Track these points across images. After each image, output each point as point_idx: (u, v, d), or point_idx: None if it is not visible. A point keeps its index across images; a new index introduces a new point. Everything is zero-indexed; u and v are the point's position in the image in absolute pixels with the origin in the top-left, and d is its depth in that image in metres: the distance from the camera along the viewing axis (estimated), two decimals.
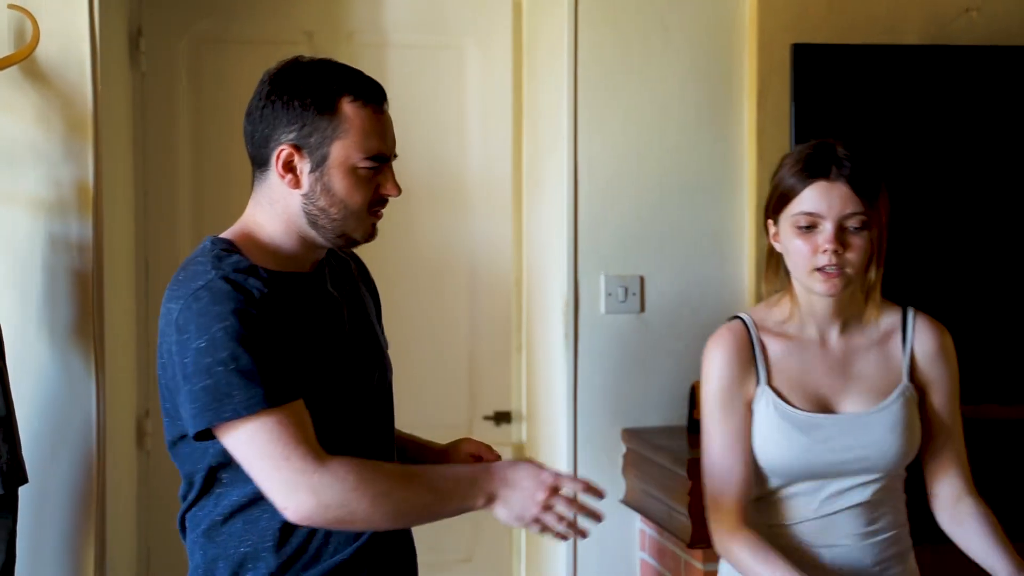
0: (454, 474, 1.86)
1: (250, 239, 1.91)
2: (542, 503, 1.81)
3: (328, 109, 1.85)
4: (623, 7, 3.09)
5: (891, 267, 2.96)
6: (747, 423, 2.15)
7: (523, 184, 3.46)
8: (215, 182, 3.31)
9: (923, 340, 2.17)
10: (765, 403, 2.13)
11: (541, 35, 3.32)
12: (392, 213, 3.37)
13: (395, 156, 1.96)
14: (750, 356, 2.16)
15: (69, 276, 2.66)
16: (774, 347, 2.16)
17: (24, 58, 2.57)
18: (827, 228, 2.04)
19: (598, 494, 1.87)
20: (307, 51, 3.30)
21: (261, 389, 1.74)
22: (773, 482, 2.16)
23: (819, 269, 2.05)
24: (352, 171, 1.87)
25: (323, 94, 1.86)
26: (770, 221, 2.15)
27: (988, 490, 2.31)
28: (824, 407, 2.12)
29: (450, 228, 3.45)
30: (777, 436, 2.12)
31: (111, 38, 2.90)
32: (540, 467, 1.84)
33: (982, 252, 3.07)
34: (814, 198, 2.06)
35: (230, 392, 1.74)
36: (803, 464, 2.11)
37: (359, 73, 1.91)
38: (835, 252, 2.03)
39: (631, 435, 3.08)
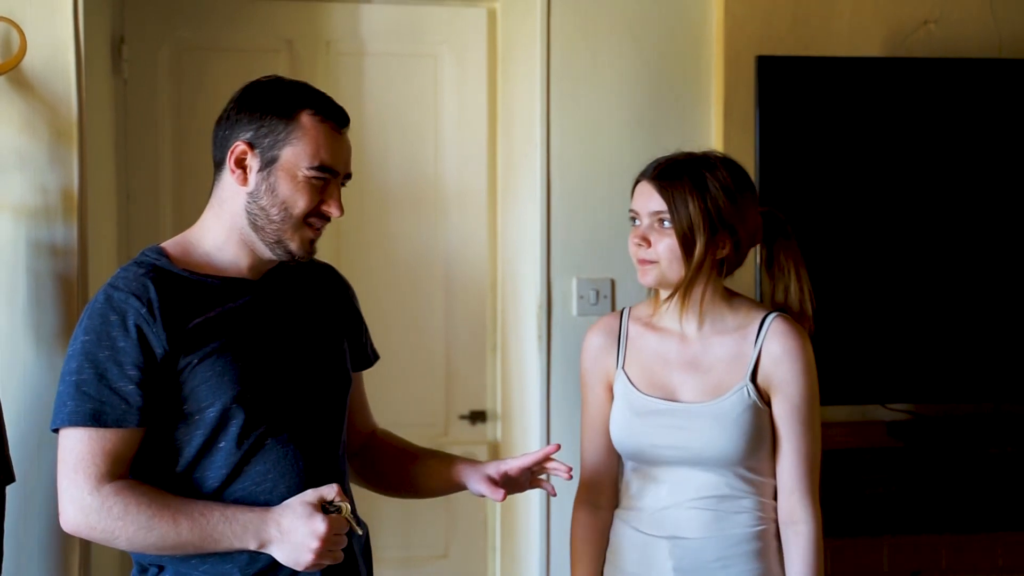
0: (228, 517, 1.87)
1: (187, 244, 2.01)
2: (316, 551, 1.85)
3: (287, 116, 1.94)
4: (594, 18, 3.17)
5: (850, 274, 3.10)
6: (607, 402, 2.31)
7: (498, 189, 3.53)
8: (196, 187, 3.36)
9: (772, 342, 2.20)
10: (619, 386, 2.28)
11: (515, 44, 3.40)
12: (371, 218, 3.48)
13: (347, 178, 2.02)
14: (614, 342, 2.31)
15: (54, 280, 2.71)
16: (637, 336, 2.30)
17: (11, 68, 2.62)
18: (642, 224, 2.22)
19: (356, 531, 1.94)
20: (287, 59, 3.41)
21: (89, 407, 1.84)
22: (628, 465, 2.31)
23: (637, 262, 2.23)
24: (297, 178, 1.94)
25: (285, 103, 1.95)
26: None
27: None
28: (668, 395, 2.23)
29: (427, 232, 3.52)
30: (618, 416, 2.27)
31: (95, 47, 2.95)
32: (314, 510, 1.86)
33: (940, 258, 3.15)
34: (635, 195, 2.25)
35: (66, 401, 1.86)
36: (635, 444, 2.24)
37: (325, 95, 2.00)
38: (638, 245, 2.21)
39: None
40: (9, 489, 2.48)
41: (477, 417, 3.57)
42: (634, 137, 3.19)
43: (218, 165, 2.00)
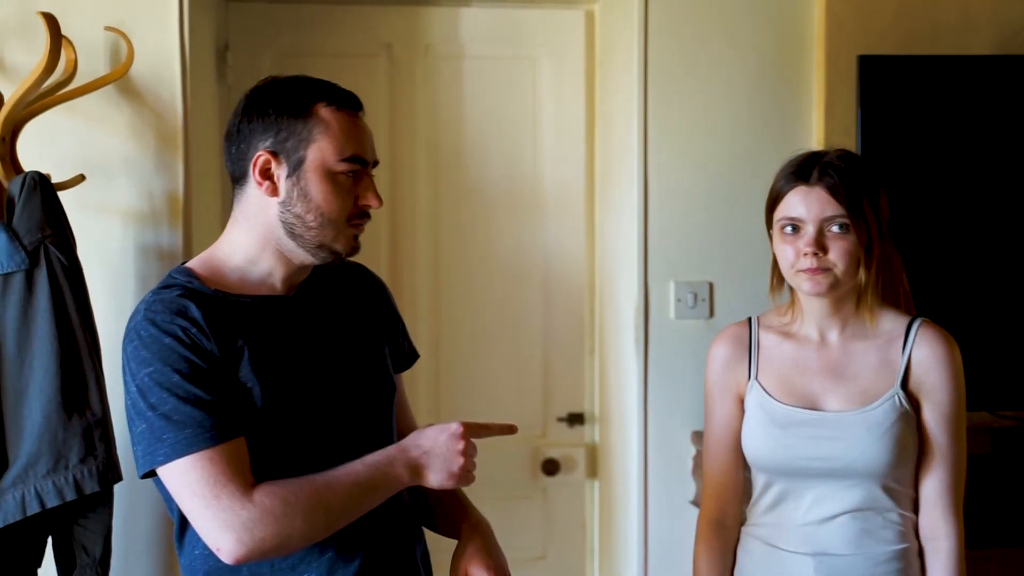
0: (369, 464, 1.81)
1: (215, 262, 1.92)
2: (463, 451, 1.82)
3: (303, 113, 1.85)
4: (693, 19, 3.15)
5: (951, 274, 3.02)
6: (737, 416, 2.24)
7: (595, 191, 3.52)
8: None
9: (922, 348, 2.13)
10: (753, 397, 2.20)
11: (613, 46, 3.39)
12: (469, 220, 3.50)
13: (374, 165, 1.93)
14: (745, 352, 2.24)
15: None
16: (771, 345, 2.23)
17: (120, 76, 2.69)
18: (808, 231, 2.12)
19: (510, 430, 1.94)
20: (386, 63, 3.45)
21: (189, 431, 1.74)
22: (760, 479, 2.22)
23: (803, 270, 2.12)
24: (329, 175, 1.85)
25: (298, 100, 1.86)
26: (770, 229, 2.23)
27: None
28: (810, 404, 2.15)
29: (525, 234, 3.53)
30: (757, 428, 2.18)
31: (200, 53, 3.01)
32: (442, 425, 1.85)
33: None
34: (795, 203, 2.14)
35: (161, 436, 1.75)
36: (779, 457, 2.16)
37: (332, 83, 1.91)
38: (814, 255, 2.10)
39: (701, 437, 3.13)
40: (117, 487, 2.53)
41: (575, 419, 3.57)
42: (733, 139, 3.16)
43: (238, 180, 1.92)
